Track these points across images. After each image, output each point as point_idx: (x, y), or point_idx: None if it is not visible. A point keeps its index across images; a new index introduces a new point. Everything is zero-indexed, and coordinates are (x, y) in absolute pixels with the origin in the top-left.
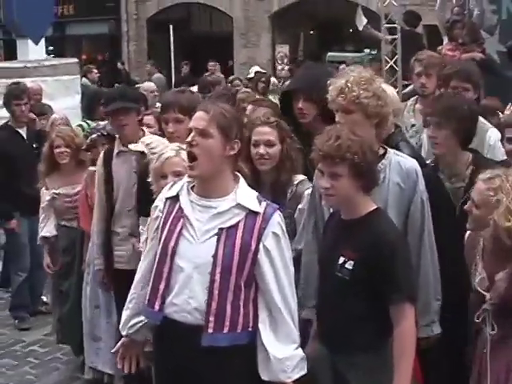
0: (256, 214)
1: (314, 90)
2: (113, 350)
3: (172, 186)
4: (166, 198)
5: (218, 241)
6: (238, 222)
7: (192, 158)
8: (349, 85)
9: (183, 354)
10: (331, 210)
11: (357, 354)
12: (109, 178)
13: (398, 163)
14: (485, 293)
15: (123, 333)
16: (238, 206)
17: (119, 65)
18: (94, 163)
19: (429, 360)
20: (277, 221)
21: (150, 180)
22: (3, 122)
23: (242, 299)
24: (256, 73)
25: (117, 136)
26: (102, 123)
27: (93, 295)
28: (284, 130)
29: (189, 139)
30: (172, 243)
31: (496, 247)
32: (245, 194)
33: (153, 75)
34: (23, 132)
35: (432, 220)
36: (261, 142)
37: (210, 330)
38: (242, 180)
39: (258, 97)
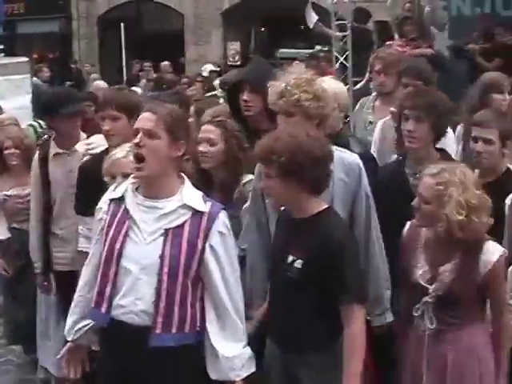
0: (202, 213)
1: (260, 81)
2: (58, 356)
3: (116, 187)
4: (111, 200)
5: (165, 241)
6: (184, 222)
7: (139, 159)
8: (288, 88)
9: (131, 356)
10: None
11: (308, 353)
12: (45, 180)
13: (341, 159)
14: (427, 285)
15: (69, 338)
16: (184, 206)
17: (73, 64)
18: None
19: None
20: (222, 220)
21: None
22: None
23: (189, 299)
24: (210, 72)
25: (52, 138)
26: None
27: (46, 295)
28: (229, 130)
29: (136, 140)
30: (118, 245)
31: (443, 240)
32: (190, 194)
33: (91, 75)
34: None
35: (391, 214)
36: (203, 139)
37: (158, 331)
38: (186, 180)
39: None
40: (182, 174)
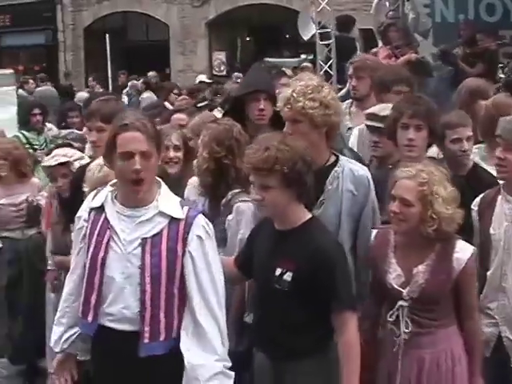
0: (178, 220)
1: (272, 89)
2: (51, 371)
3: (95, 195)
4: (91, 208)
5: (143, 251)
6: (162, 230)
7: (140, 182)
8: (294, 95)
9: (121, 364)
10: None
11: (300, 359)
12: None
13: (351, 170)
14: (401, 289)
15: (57, 349)
16: (160, 213)
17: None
18: None
19: None
20: (200, 224)
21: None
22: None
23: (175, 306)
24: (200, 82)
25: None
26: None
27: (57, 301)
28: (211, 135)
29: (137, 167)
30: (101, 254)
31: (416, 242)
32: (166, 201)
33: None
34: None
35: None
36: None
37: (146, 340)
38: (163, 185)
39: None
40: (159, 179)
